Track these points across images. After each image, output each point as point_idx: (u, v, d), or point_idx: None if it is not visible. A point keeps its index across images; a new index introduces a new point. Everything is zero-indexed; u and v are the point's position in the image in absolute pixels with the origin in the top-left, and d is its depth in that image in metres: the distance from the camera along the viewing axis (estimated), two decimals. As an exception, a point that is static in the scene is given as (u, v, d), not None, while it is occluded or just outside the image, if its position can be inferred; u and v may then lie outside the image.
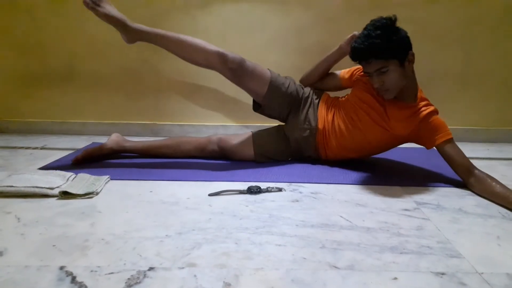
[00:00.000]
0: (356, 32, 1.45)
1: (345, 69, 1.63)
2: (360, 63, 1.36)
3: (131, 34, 1.49)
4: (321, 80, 1.67)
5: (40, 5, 2.15)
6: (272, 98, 1.57)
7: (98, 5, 1.44)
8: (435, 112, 1.41)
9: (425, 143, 1.42)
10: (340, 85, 1.64)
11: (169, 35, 1.48)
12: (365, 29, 1.34)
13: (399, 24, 1.36)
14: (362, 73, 1.51)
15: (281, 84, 1.58)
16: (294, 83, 1.65)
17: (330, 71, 1.66)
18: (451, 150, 1.34)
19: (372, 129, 1.47)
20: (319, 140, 1.59)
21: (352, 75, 1.59)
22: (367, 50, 1.29)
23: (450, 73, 2.16)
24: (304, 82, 1.69)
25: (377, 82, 1.34)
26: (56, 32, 2.18)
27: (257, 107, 1.65)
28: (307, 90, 1.66)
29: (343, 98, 1.62)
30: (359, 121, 1.49)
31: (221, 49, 1.47)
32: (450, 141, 1.35)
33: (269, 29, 2.15)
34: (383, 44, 1.28)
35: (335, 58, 1.58)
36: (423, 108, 1.40)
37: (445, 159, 1.36)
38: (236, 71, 1.49)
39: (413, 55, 1.34)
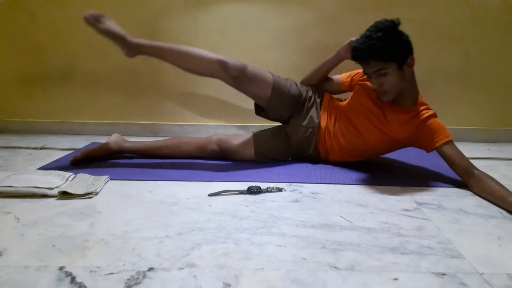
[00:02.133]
0: (353, 38, 1.47)
1: (345, 73, 1.66)
2: (360, 64, 1.37)
3: (130, 48, 1.50)
4: (320, 84, 1.71)
5: (39, 5, 2.15)
6: (275, 100, 1.57)
7: (99, 21, 1.46)
8: (434, 115, 1.41)
9: (425, 146, 1.41)
10: (339, 89, 1.69)
11: (168, 47, 1.49)
12: (367, 30, 1.35)
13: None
14: (362, 76, 1.55)
15: (283, 86, 1.58)
16: (296, 85, 1.65)
17: (329, 75, 1.70)
18: (451, 152, 1.34)
19: (371, 132, 1.47)
20: (320, 139, 1.59)
21: (352, 79, 1.62)
22: (366, 51, 1.31)
23: (450, 74, 2.15)
24: (304, 85, 1.71)
25: (375, 84, 1.36)
26: (55, 32, 2.18)
27: (259, 110, 1.65)
28: (310, 90, 1.68)
29: (343, 102, 1.62)
30: (359, 125, 1.49)
31: (221, 57, 1.46)
32: (450, 143, 1.35)
33: (269, 29, 2.15)
34: (382, 46, 1.29)
35: (333, 64, 1.63)
36: (422, 112, 1.40)
37: (445, 160, 1.36)
38: (238, 77, 1.48)
39: (413, 59, 1.34)
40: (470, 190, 1.29)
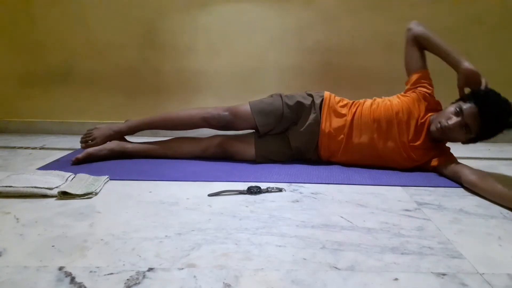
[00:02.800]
0: (485, 82, 1.43)
1: (427, 71, 1.58)
2: (466, 110, 1.36)
3: (128, 133, 1.68)
4: (419, 49, 1.57)
5: (39, 4, 2.15)
6: (265, 124, 1.58)
7: (92, 139, 1.61)
8: (449, 148, 1.55)
9: (431, 161, 1.50)
10: (410, 72, 1.59)
11: (157, 119, 1.65)
12: (502, 108, 1.35)
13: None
14: (426, 91, 1.54)
15: (265, 109, 1.58)
16: (281, 97, 1.61)
17: (423, 55, 1.60)
18: (458, 165, 1.43)
19: (392, 149, 1.50)
20: (322, 142, 1.58)
21: (419, 83, 1.55)
22: (488, 119, 1.33)
23: (451, 73, 2.15)
24: (415, 32, 1.57)
25: (453, 125, 1.38)
26: (55, 32, 2.18)
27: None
28: (303, 95, 1.62)
29: (375, 104, 1.56)
30: (388, 135, 1.51)
31: (203, 112, 1.60)
32: (457, 161, 1.48)
33: (269, 28, 2.15)
34: (494, 131, 1.37)
35: (447, 62, 1.50)
36: (442, 145, 1.55)
37: (452, 173, 1.41)
38: (224, 126, 1.61)
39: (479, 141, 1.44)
40: (471, 190, 1.29)
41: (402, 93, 1.59)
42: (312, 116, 1.58)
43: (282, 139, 1.62)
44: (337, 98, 1.63)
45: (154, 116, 1.66)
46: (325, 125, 1.56)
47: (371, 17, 2.12)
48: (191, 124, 1.63)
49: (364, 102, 1.59)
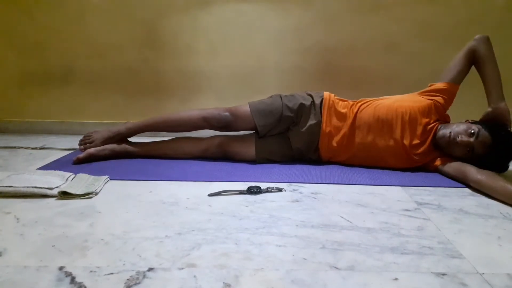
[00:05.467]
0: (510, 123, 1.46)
1: (456, 87, 1.58)
2: (481, 136, 1.38)
3: (127, 135, 1.66)
4: (468, 64, 1.59)
5: (39, 5, 2.15)
6: (264, 124, 1.58)
7: (91, 142, 1.61)
8: None
9: (434, 161, 1.51)
10: (442, 78, 1.58)
11: (156, 121, 1.65)
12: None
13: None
14: (441, 102, 1.54)
15: (264, 109, 1.58)
16: (281, 98, 1.61)
17: (464, 71, 1.60)
18: (462, 163, 1.42)
19: (394, 146, 1.50)
20: (323, 143, 1.58)
21: (439, 93, 1.55)
22: (494, 154, 1.37)
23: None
24: (477, 48, 1.57)
25: (461, 142, 1.39)
26: (56, 32, 2.18)
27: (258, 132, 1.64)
28: (303, 96, 1.62)
29: (380, 104, 1.55)
30: (387, 133, 1.50)
31: (204, 112, 1.60)
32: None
33: (269, 29, 2.15)
34: (492, 164, 1.37)
35: (487, 92, 1.53)
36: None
37: (456, 170, 1.41)
38: (224, 126, 1.61)
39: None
40: (471, 189, 1.30)
41: (419, 93, 1.58)
42: (312, 116, 1.58)
43: (283, 139, 1.62)
44: (337, 98, 1.63)
45: (154, 117, 1.66)
46: (325, 125, 1.56)
47: (371, 17, 2.12)
48: (191, 124, 1.63)
49: (369, 102, 1.58)
